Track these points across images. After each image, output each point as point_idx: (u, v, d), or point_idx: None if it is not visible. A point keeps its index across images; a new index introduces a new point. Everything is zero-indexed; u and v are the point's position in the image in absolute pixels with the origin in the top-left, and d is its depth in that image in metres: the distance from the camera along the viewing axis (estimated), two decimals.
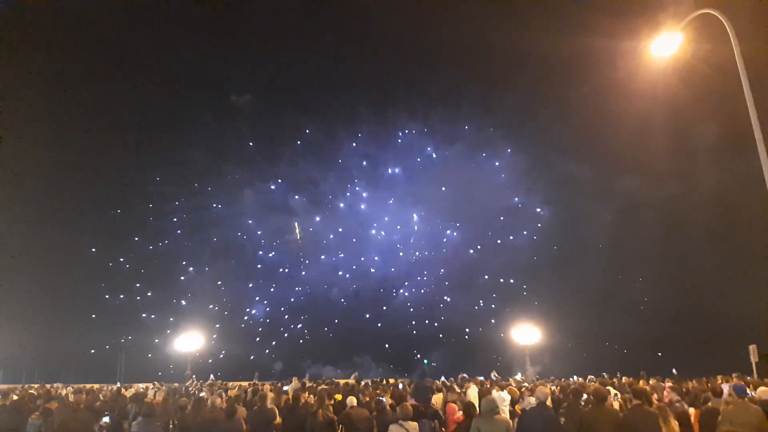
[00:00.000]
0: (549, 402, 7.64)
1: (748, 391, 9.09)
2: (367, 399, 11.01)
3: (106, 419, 9.74)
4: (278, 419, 8.90)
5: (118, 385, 22.25)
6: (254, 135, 45.08)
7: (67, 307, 34.61)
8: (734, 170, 29.51)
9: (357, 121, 46.53)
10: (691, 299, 32.08)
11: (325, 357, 38.34)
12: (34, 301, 33.29)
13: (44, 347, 33.21)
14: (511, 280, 41.42)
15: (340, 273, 43.78)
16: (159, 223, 40.92)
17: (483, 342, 38.41)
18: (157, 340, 36.82)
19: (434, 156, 45.59)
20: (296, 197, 44.64)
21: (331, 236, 44.68)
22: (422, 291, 43.03)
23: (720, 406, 7.24)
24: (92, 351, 35.68)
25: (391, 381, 20.11)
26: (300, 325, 42.51)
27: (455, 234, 43.86)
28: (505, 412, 10.40)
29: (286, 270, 44.05)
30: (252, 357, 38.79)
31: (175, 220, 41.20)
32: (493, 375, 20.71)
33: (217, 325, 39.01)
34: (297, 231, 43.97)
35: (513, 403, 11.65)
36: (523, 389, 13.51)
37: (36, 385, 20.20)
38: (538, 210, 42.92)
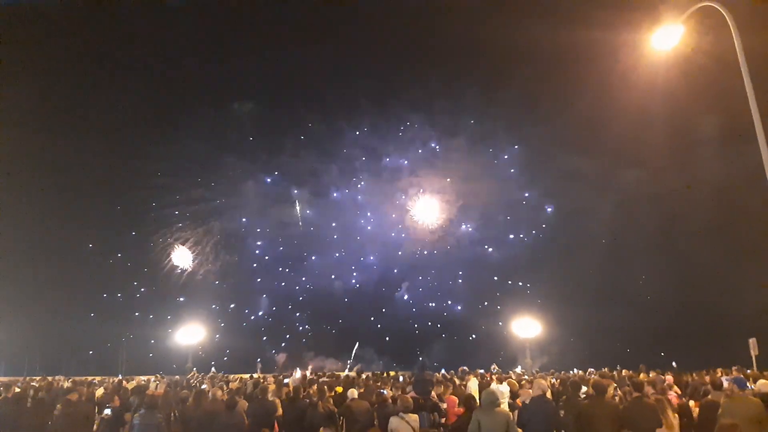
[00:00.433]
0: (549, 395, 7.68)
1: (748, 384, 9.10)
2: (362, 390, 10.91)
3: (107, 411, 9.77)
4: (279, 411, 8.93)
5: (120, 377, 22.34)
6: (255, 128, 45.20)
7: (68, 300, 34.62)
8: (735, 163, 29.40)
9: (359, 113, 46.51)
10: (692, 292, 32.03)
11: (328, 350, 38.49)
12: (35, 293, 33.30)
13: (45, 340, 33.35)
14: (512, 273, 41.49)
15: (343, 266, 43.93)
16: (160, 215, 40.94)
17: (484, 335, 38.60)
18: (154, 339, 37.16)
19: (437, 149, 45.62)
20: (296, 192, 44.84)
21: (333, 224, 44.86)
22: (424, 285, 43.08)
23: (720, 399, 7.25)
24: (93, 344, 35.83)
25: (392, 373, 20.24)
26: (298, 314, 42.75)
27: (463, 227, 43.91)
28: (504, 404, 10.45)
29: (289, 263, 44.18)
30: (253, 350, 38.94)
31: (176, 213, 41.22)
32: (494, 368, 20.83)
33: (221, 322, 39.31)
34: (298, 214, 44.19)
35: (513, 396, 11.70)
36: (523, 382, 13.57)
37: (37, 378, 20.29)
38: (539, 203, 42.93)
